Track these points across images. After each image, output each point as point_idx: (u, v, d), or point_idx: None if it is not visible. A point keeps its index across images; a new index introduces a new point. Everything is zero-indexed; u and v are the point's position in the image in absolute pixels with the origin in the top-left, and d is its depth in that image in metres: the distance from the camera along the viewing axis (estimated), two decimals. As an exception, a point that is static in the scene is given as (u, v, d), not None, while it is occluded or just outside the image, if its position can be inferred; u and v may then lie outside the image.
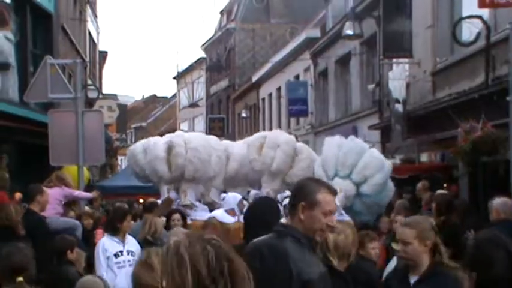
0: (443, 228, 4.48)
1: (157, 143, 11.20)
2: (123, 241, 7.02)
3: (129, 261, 6.89)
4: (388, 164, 9.91)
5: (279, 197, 10.22)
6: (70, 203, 9.84)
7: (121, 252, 6.95)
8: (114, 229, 7.04)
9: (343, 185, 9.09)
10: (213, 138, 12.05)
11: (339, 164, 9.46)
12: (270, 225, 4.49)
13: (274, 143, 11.26)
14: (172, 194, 10.72)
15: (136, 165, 11.66)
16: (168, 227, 8.56)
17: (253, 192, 11.97)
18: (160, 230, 7.87)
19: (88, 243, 8.48)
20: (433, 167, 13.81)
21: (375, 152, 10.11)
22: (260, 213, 5.43)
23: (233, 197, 9.20)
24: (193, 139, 11.21)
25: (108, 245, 6.94)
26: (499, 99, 9.75)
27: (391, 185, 9.83)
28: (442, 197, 8.78)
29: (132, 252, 6.98)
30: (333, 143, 10.04)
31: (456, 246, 5.63)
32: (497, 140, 9.44)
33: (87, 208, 11.04)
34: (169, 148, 10.98)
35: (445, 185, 11.92)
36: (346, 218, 8.49)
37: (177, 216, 9.02)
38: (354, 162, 9.39)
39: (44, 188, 8.44)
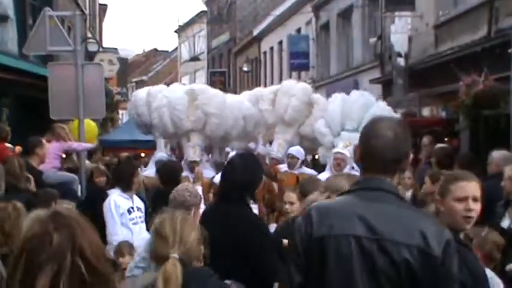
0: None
1: (176, 89, 10.83)
2: (131, 197, 6.73)
3: (140, 217, 6.65)
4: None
5: (298, 148, 9.82)
6: (67, 156, 9.86)
7: (132, 208, 6.65)
8: (127, 184, 6.71)
9: (352, 137, 8.83)
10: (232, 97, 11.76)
11: (345, 117, 9.42)
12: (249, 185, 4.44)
13: (288, 91, 11.04)
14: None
15: (138, 114, 11.44)
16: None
17: (254, 147, 11.85)
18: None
19: (98, 201, 7.74)
20: (435, 121, 13.78)
21: (383, 104, 10.03)
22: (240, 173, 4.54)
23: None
24: (213, 93, 10.80)
25: (120, 201, 6.61)
26: (501, 52, 9.68)
27: None
28: (441, 150, 8.77)
29: (140, 208, 6.74)
30: (337, 98, 10.00)
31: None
32: (499, 94, 9.40)
33: (88, 162, 11.00)
34: (192, 99, 10.53)
35: (446, 139, 11.91)
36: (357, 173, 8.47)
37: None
38: (362, 114, 9.34)
39: (43, 141, 8.43)
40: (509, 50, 6.16)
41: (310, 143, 10.89)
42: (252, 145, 11.83)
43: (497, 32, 11.06)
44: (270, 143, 11.55)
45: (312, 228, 2.73)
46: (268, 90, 11.84)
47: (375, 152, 2.74)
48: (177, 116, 10.51)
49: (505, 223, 5.53)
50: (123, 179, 6.80)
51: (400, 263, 2.56)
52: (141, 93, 11.96)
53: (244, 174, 4.44)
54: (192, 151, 10.45)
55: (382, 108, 9.66)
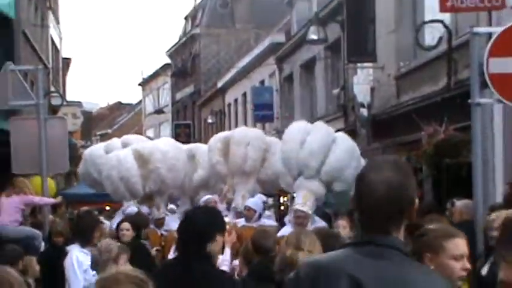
0: (410, 229, 4.52)
1: (125, 157, 10.33)
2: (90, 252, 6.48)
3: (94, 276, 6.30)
4: (358, 150, 9.40)
5: (256, 200, 9.52)
6: (33, 211, 9.71)
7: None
8: (87, 239, 6.56)
9: (311, 187, 8.71)
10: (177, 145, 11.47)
11: (301, 165, 8.87)
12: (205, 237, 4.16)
13: (242, 140, 10.62)
14: (144, 209, 10.24)
15: (96, 173, 11.18)
16: (118, 237, 7.90)
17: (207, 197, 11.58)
18: None
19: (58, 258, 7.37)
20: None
21: (343, 141, 9.36)
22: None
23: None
24: (163, 146, 10.56)
25: (82, 257, 6.43)
26: (461, 102, 9.85)
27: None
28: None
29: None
30: (294, 138, 9.19)
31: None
32: (460, 143, 9.54)
33: (51, 217, 10.81)
34: (143, 162, 10.31)
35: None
36: (322, 223, 8.37)
37: (126, 225, 8.27)
38: (321, 161, 8.81)
39: None
40: (469, 101, 6.28)
41: (271, 186, 10.79)
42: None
43: (456, 83, 11.29)
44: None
45: None
46: (212, 140, 11.35)
47: (372, 210, 2.41)
48: (131, 187, 10.24)
49: (484, 270, 5.54)
50: (83, 234, 6.69)
51: None
52: (86, 155, 11.91)
53: (203, 226, 4.25)
54: (156, 209, 10.24)
55: (342, 150, 8.99)
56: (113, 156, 10.58)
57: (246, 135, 10.80)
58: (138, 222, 8.66)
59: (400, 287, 2.24)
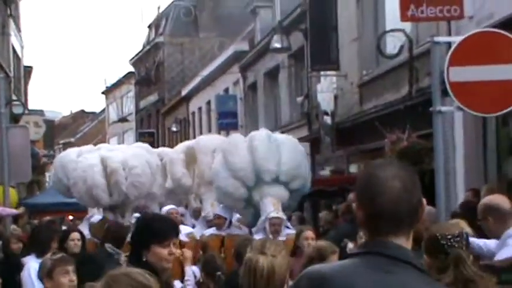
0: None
1: (91, 166, 10.25)
2: None
3: None
4: (299, 145, 9.79)
5: (225, 208, 9.30)
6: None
7: None
8: (43, 250, 6.36)
9: (276, 192, 8.79)
10: (148, 150, 11.43)
11: (259, 170, 8.77)
12: None
13: (208, 149, 10.52)
14: (111, 216, 10.16)
15: (66, 179, 11.06)
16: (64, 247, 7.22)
17: (193, 204, 11.38)
18: None
19: (15, 269, 7.20)
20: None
21: (287, 139, 9.53)
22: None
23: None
24: (131, 160, 10.40)
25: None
26: (423, 110, 10.00)
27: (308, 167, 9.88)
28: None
29: None
30: (241, 148, 9.02)
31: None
32: (422, 150, 9.67)
33: (13, 227, 10.69)
34: (108, 173, 10.26)
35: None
36: (293, 231, 8.32)
37: (76, 235, 7.69)
38: (277, 162, 8.81)
39: None
40: (430, 109, 6.38)
41: None
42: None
43: (418, 91, 11.46)
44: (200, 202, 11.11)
45: None
46: (173, 152, 11.29)
47: (383, 212, 2.16)
48: (100, 198, 10.21)
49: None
50: (39, 245, 6.55)
51: None
52: (57, 166, 11.74)
53: (136, 233, 4.06)
54: (121, 218, 10.17)
55: (291, 147, 9.13)
56: (82, 160, 10.54)
57: (210, 143, 10.70)
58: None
59: None
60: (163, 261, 3.73)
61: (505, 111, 6.50)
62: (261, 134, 9.44)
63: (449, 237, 3.85)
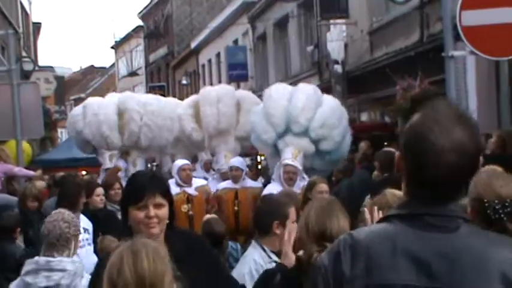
0: (388, 183, 4.49)
1: (107, 105, 10.28)
2: (78, 218, 6.01)
3: (87, 239, 6.24)
4: (344, 111, 9.31)
5: (240, 159, 9.11)
6: (10, 178, 9.63)
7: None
8: (72, 205, 6.19)
9: (301, 144, 8.51)
10: (168, 101, 11.33)
11: (291, 120, 8.59)
12: None
13: (212, 99, 10.43)
14: (121, 163, 10.13)
15: (76, 131, 11.05)
16: (109, 196, 7.56)
17: (204, 157, 11.39)
18: None
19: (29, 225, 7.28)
20: (374, 126, 14.01)
21: (331, 101, 9.24)
22: None
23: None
24: (148, 101, 10.37)
25: None
26: (434, 56, 9.92)
27: (349, 135, 9.23)
28: (384, 154, 8.84)
29: (87, 230, 6.32)
30: (282, 94, 8.89)
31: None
32: (435, 96, 9.62)
33: (39, 183, 10.68)
34: (121, 112, 10.22)
35: (385, 143, 12.10)
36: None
37: (100, 190, 7.56)
38: (310, 117, 8.59)
39: None
40: (442, 54, 6.32)
41: (250, 143, 10.28)
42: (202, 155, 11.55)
43: (429, 37, 11.34)
44: (212, 155, 11.07)
45: (343, 273, 1.91)
46: (182, 108, 11.13)
47: (436, 183, 1.88)
48: (111, 137, 10.20)
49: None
50: (66, 200, 6.40)
51: None
52: (77, 110, 11.64)
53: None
54: (132, 165, 10.16)
55: (331, 107, 8.84)
56: (102, 100, 10.62)
57: (214, 93, 10.58)
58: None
59: (465, 258, 1.82)
60: (141, 225, 3.18)
61: (518, 54, 6.44)
62: (307, 87, 9.25)
63: (498, 206, 2.78)
